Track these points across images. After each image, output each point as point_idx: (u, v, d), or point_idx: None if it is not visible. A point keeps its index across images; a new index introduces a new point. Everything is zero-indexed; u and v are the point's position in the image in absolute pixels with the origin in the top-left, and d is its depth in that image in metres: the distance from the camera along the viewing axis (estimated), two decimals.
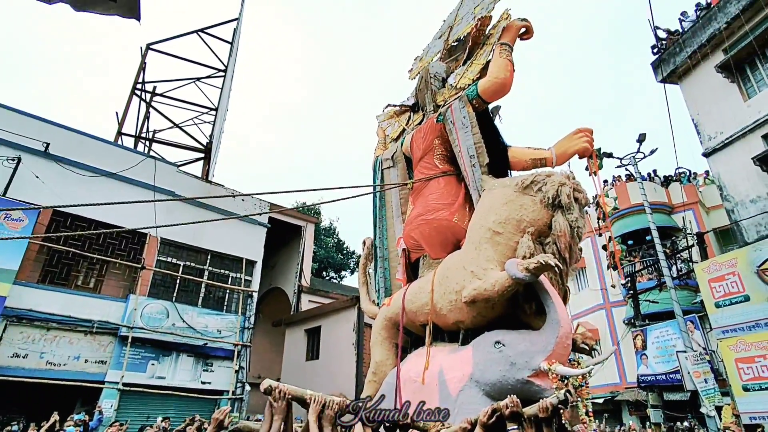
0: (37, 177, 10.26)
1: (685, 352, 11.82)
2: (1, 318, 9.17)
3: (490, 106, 6.61)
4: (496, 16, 6.75)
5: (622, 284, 17.69)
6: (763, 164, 11.21)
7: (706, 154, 12.81)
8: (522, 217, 5.07)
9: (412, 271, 6.94)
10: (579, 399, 4.27)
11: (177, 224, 7.82)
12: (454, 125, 6.33)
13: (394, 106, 8.50)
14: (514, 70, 6.14)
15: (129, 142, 15.13)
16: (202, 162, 15.54)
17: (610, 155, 14.31)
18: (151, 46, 15.65)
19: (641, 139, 13.89)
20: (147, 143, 15.92)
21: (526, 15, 6.46)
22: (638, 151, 13.92)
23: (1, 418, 9.06)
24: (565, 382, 4.23)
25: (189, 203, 12.44)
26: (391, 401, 5.48)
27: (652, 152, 14.03)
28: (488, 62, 6.38)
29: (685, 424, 13.19)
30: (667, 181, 19.88)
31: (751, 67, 12.10)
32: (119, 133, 14.29)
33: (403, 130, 7.98)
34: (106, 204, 4.39)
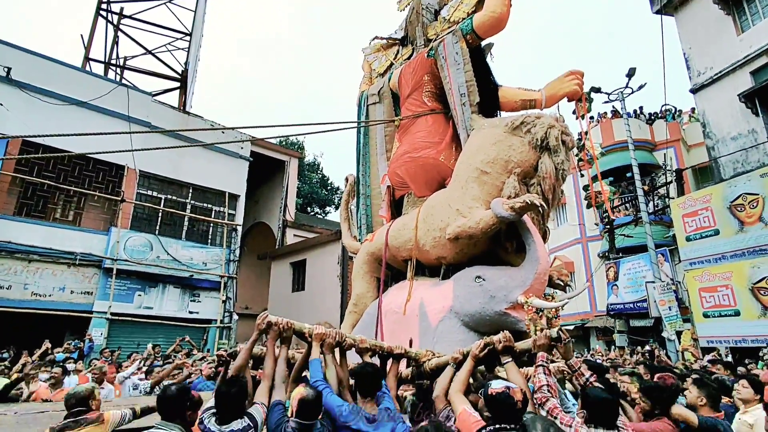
0: (1, 104, 9.70)
1: (653, 282, 12.50)
2: None
3: (483, 43, 6.40)
4: None
5: (603, 220, 18.20)
6: (748, 101, 11.21)
7: (694, 90, 12.71)
8: (510, 158, 5.12)
9: (396, 209, 6.99)
10: (553, 329, 4.51)
11: (156, 148, 7.57)
12: (446, 61, 6.13)
13: (382, 39, 8.13)
14: (511, 5, 5.88)
15: (98, 69, 14.24)
16: (178, 91, 14.82)
17: (598, 90, 14.11)
18: None
19: (631, 73, 13.65)
20: (118, 70, 15.02)
21: None
22: (627, 86, 13.73)
23: None
24: (540, 314, 4.48)
25: (167, 135, 12.00)
26: (372, 331, 5.70)
27: (640, 87, 13.86)
28: None
29: (647, 347, 14.26)
30: (652, 119, 19.87)
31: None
32: (86, 59, 13.40)
33: (391, 64, 7.72)
34: (93, 135, 4.19)
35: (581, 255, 20.26)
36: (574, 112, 5.89)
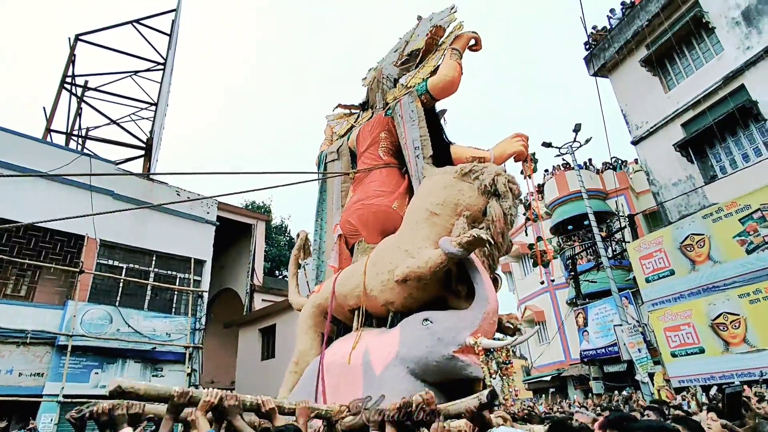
0: None
1: (620, 325, 12.78)
2: None
3: (438, 108, 6.84)
4: (449, 28, 7.07)
5: (567, 268, 18.72)
6: (682, 150, 12.28)
7: (634, 142, 13.84)
8: (459, 201, 5.20)
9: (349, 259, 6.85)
10: (505, 377, 4.44)
11: (122, 210, 7.43)
12: (402, 118, 6.48)
13: (345, 106, 8.56)
14: (462, 72, 6.40)
15: (60, 140, 14.13)
16: (142, 159, 14.79)
17: (549, 144, 15.10)
18: (80, 37, 14.66)
19: (577, 129, 14.75)
20: (80, 141, 14.94)
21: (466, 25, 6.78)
22: (575, 140, 14.78)
23: None
24: (490, 358, 4.36)
25: (130, 202, 11.84)
26: (312, 388, 5.34)
27: (587, 141, 14.94)
28: (439, 66, 6.64)
29: (623, 393, 14.27)
30: (602, 169, 21.26)
31: (670, 62, 13.18)
32: (48, 130, 13.30)
33: (351, 127, 8.06)
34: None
35: (550, 302, 20.62)
36: (521, 173, 6.26)
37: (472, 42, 6.71)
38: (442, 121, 6.98)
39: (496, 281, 5.33)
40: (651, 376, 11.78)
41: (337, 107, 8.71)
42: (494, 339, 4.65)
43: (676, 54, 12.99)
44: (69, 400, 9.72)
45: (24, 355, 9.63)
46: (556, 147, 15.37)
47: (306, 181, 7.42)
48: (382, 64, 8.36)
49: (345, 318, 6.06)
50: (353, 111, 8.42)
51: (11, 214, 10.04)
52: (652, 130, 13.27)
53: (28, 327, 9.71)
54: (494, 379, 4.24)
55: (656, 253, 11.78)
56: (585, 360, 16.17)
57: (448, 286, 5.12)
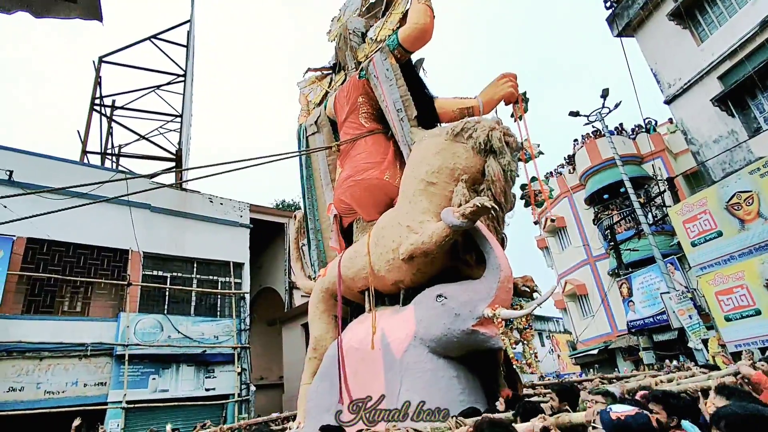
0: (6, 206, 9.93)
1: (668, 293, 12.35)
2: None
3: (415, 58, 6.39)
4: None
5: (606, 238, 18.19)
6: (721, 104, 11.62)
7: (668, 101, 13.18)
8: (455, 165, 4.94)
9: (346, 238, 6.60)
10: (525, 341, 4.36)
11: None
12: (377, 79, 6.03)
13: (315, 70, 8.07)
14: (434, 16, 5.96)
15: (95, 159, 14.73)
16: (174, 171, 15.23)
17: (576, 114, 14.61)
18: (104, 59, 15.14)
19: (604, 94, 14.20)
20: (114, 158, 15.52)
21: None
22: (603, 107, 14.24)
23: None
24: (510, 327, 4.26)
25: (167, 214, 12.29)
26: (335, 375, 5.28)
27: (616, 106, 14.37)
28: (407, 11, 6.18)
29: (674, 362, 13.88)
30: (634, 133, 20.42)
31: (700, 12, 12.43)
32: (84, 152, 13.88)
33: (326, 93, 7.57)
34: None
35: (591, 275, 20.13)
36: (511, 115, 5.88)
37: None
38: (421, 72, 6.55)
39: (503, 242, 5.13)
40: (705, 342, 11.37)
41: (307, 71, 8.21)
42: (512, 307, 4.51)
43: (707, 3, 12.23)
44: (132, 405, 10.26)
45: (86, 367, 10.20)
46: (584, 115, 14.87)
47: (291, 156, 7.04)
48: (345, 12, 7.80)
49: (355, 298, 5.93)
50: (325, 73, 7.94)
51: (59, 235, 10.60)
52: (686, 86, 12.61)
53: (87, 340, 10.28)
54: (515, 348, 4.19)
55: (701, 215, 11.26)
56: (633, 330, 15.75)
57: (456, 255, 4.92)
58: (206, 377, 11.73)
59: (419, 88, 6.12)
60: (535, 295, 5.19)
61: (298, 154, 7.27)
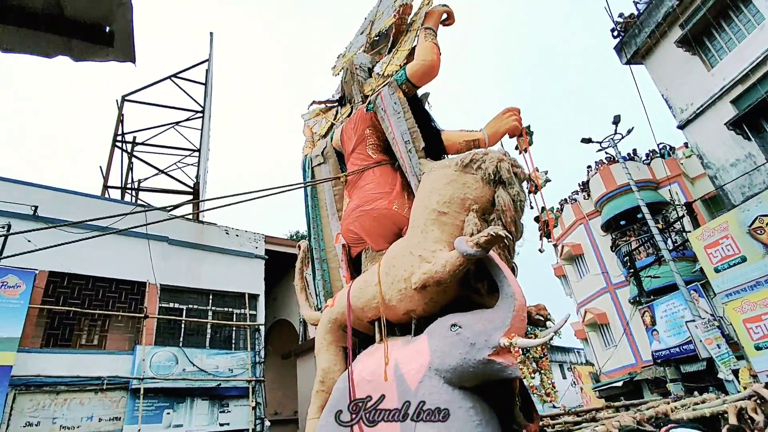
0: (29, 241, 10.19)
1: (693, 321, 11.96)
2: (9, 388, 9.00)
3: (420, 93, 6.47)
4: (416, 4, 6.70)
5: (625, 265, 17.83)
6: (736, 128, 11.54)
7: (681, 126, 13.15)
8: (466, 195, 4.98)
9: (355, 268, 6.54)
10: (542, 371, 4.26)
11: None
12: (385, 112, 6.12)
13: (320, 103, 8.20)
14: (440, 53, 6.10)
15: (115, 193, 15.13)
16: (191, 204, 15.53)
17: (589, 140, 14.63)
18: (126, 98, 15.78)
19: (616, 120, 14.23)
20: (133, 192, 15.92)
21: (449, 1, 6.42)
22: (615, 133, 14.25)
23: None
24: (527, 356, 4.17)
25: (184, 246, 12.47)
26: (344, 407, 5.11)
27: (629, 132, 14.37)
28: (414, 48, 6.32)
29: (705, 394, 13.26)
30: (648, 158, 20.29)
31: (708, 38, 12.55)
32: (105, 187, 14.29)
33: (332, 125, 7.67)
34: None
35: (612, 303, 19.63)
36: (516, 148, 5.93)
37: (445, 16, 6.38)
38: (426, 105, 6.62)
39: (513, 270, 5.08)
40: (735, 372, 10.88)
41: (312, 104, 8.31)
42: (526, 336, 4.41)
43: (714, 29, 12.36)
44: None
45: (102, 401, 10.16)
46: (597, 142, 14.87)
47: (301, 187, 6.95)
48: (350, 50, 7.96)
49: (365, 329, 5.85)
50: (330, 106, 8.06)
51: (79, 269, 10.80)
52: (698, 111, 12.59)
53: (103, 373, 10.28)
54: (533, 378, 4.09)
55: (723, 240, 11.01)
56: (658, 361, 15.17)
57: (467, 284, 4.90)
58: (220, 412, 11.57)
59: (426, 121, 6.21)
60: (549, 324, 5.11)
61: (309, 184, 7.36)
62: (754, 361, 10.39)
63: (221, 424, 11.40)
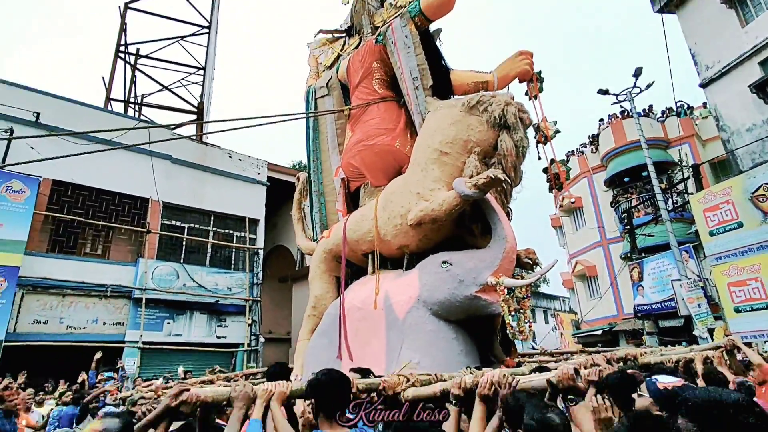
0: (32, 147, 10.18)
1: (679, 280, 12.28)
2: (17, 287, 9.42)
3: (432, 27, 6.28)
4: None
5: (623, 221, 17.99)
6: (759, 91, 11.15)
7: (703, 85, 12.69)
8: (469, 137, 5.01)
9: (352, 201, 6.66)
10: (522, 310, 4.48)
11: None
12: (395, 45, 5.96)
13: (327, 32, 7.89)
14: None
15: (118, 107, 14.87)
16: (195, 124, 15.33)
17: (606, 92, 14.15)
18: (129, 5, 15.04)
19: (637, 73, 13.65)
20: (137, 107, 15.65)
21: None
22: (634, 86, 13.75)
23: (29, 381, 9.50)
24: (511, 296, 4.39)
25: (187, 166, 12.49)
26: (334, 333, 5.41)
27: (648, 86, 13.84)
28: None
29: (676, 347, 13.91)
30: (664, 116, 19.75)
31: None
32: (108, 99, 14.02)
33: (338, 56, 7.45)
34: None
35: (603, 258, 20.03)
36: (526, 93, 5.69)
37: None
38: (438, 42, 6.45)
39: (508, 215, 5.26)
40: (711, 331, 11.37)
41: (318, 33, 8.03)
42: (514, 277, 4.64)
43: None
44: (147, 346, 10.79)
45: (106, 307, 10.69)
46: (613, 94, 14.38)
47: (300, 118, 6.95)
48: None
49: (358, 261, 6.05)
50: (337, 36, 7.78)
51: (82, 179, 10.88)
52: (724, 70, 12.08)
53: (107, 282, 10.73)
54: (513, 315, 4.33)
55: (723, 205, 11.03)
56: (639, 315, 15.78)
57: (462, 224, 5.05)
58: (218, 326, 12.21)
59: (436, 58, 6.05)
60: (536, 267, 5.29)
61: (312, 115, 7.26)
62: (731, 323, 10.82)
63: (218, 337, 12.09)
